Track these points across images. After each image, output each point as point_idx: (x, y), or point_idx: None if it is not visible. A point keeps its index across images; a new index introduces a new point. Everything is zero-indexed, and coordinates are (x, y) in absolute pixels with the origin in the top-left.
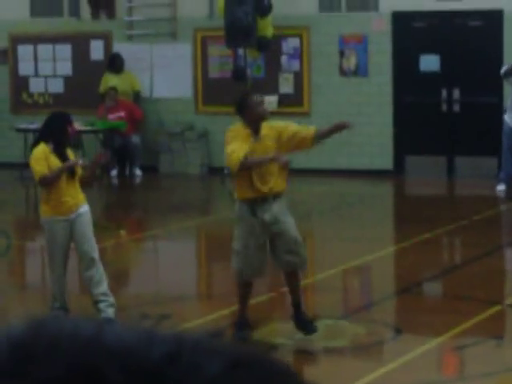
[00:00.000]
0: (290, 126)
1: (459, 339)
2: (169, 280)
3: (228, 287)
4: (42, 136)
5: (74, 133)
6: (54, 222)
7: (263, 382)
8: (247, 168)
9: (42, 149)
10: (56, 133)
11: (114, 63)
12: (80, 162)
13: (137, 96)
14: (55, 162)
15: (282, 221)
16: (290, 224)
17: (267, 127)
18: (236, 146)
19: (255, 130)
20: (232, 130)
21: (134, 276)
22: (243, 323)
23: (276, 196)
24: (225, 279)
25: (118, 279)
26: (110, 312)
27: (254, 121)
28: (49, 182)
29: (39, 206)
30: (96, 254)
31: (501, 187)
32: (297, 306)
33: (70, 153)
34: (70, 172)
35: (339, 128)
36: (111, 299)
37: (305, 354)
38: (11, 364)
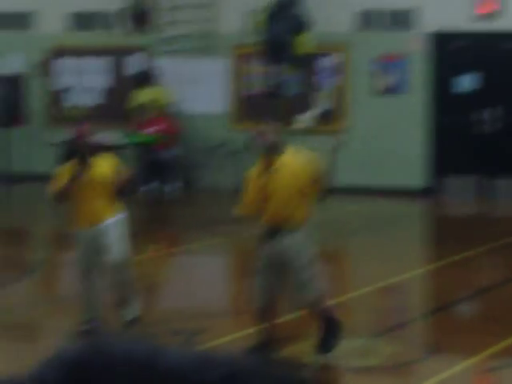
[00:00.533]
0: (308, 171)
1: (491, 361)
2: (202, 296)
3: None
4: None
5: (83, 136)
6: (78, 233)
7: None
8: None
9: (66, 166)
10: (70, 146)
11: (146, 77)
12: (80, 174)
13: (167, 111)
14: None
15: (288, 256)
16: (296, 261)
17: (290, 156)
18: (249, 189)
19: (268, 161)
20: (253, 168)
21: (166, 291)
22: (266, 347)
23: (291, 228)
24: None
25: (151, 293)
26: (133, 314)
27: (263, 152)
28: (58, 198)
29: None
30: (122, 260)
31: None
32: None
33: (104, 165)
34: (90, 183)
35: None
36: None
37: (339, 373)
38: None
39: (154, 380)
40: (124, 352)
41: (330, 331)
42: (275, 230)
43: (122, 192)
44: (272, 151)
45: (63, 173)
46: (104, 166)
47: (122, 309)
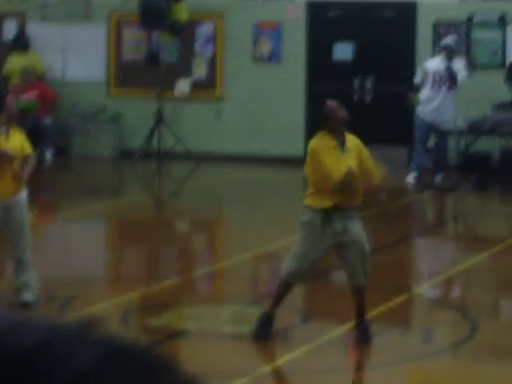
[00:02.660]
0: (366, 151)
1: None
2: (77, 263)
3: (137, 271)
4: None
5: (9, 109)
6: None
7: (134, 375)
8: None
9: None
10: None
11: (19, 43)
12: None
13: (40, 77)
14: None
15: (353, 232)
16: (361, 236)
17: (351, 140)
18: (330, 162)
19: (341, 140)
20: (318, 139)
21: (42, 258)
22: (265, 321)
23: (352, 207)
24: (134, 263)
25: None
26: (29, 296)
27: (337, 128)
28: None
29: None
30: (27, 242)
31: (411, 177)
32: (360, 315)
33: (19, 137)
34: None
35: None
36: (34, 286)
37: (211, 340)
38: None
39: None
40: None
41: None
42: (337, 209)
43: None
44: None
45: None
46: (18, 139)
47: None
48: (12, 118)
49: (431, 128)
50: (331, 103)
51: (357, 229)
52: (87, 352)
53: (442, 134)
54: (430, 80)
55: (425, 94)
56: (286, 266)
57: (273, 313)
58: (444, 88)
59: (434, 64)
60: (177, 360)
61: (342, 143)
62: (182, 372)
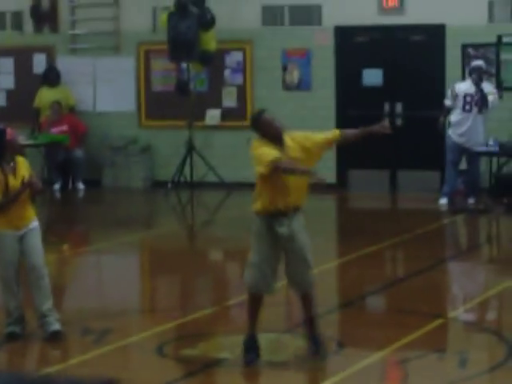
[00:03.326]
0: (311, 135)
1: (402, 353)
2: (112, 294)
3: (171, 301)
4: None
5: (13, 142)
6: (2, 236)
7: None
8: (279, 170)
9: None
10: None
11: (49, 77)
12: (34, 180)
13: (72, 110)
14: (9, 180)
15: (296, 238)
16: (304, 243)
17: (289, 139)
18: (266, 150)
19: (279, 144)
20: (258, 141)
21: (76, 290)
22: (251, 344)
23: (296, 211)
24: (168, 293)
25: (61, 293)
26: (58, 326)
27: (273, 138)
28: (4, 208)
29: None
30: (45, 270)
31: (443, 201)
32: (310, 324)
33: (24, 166)
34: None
35: (376, 131)
36: (56, 314)
37: (247, 369)
38: None
39: None
40: None
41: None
42: (282, 214)
43: (35, 194)
44: (280, 137)
45: None
46: (24, 169)
47: (50, 316)
48: (16, 150)
49: (462, 150)
50: (266, 116)
51: (301, 235)
52: None
53: (474, 157)
54: (460, 102)
55: (456, 116)
56: (246, 277)
57: (254, 333)
58: (475, 110)
59: (464, 86)
60: None
61: (280, 146)
62: None
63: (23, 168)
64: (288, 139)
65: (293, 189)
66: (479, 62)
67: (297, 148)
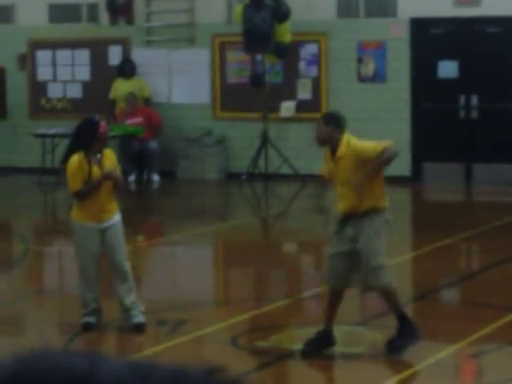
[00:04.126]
0: (366, 150)
1: (476, 346)
2: (186, 286)
3: (245, 293)
4: (72, 145)
5: (105, 135)
6: (84, 228)
7: None
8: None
9: (76, 160)
10: (85, 140)
11: (124, 69)
12: (114, 173)
13: (147, 102)
14: (92, 170)
15: (361, 240)
16: (366, 244)
17: (345, 145)
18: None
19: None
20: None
21: (151, 281)
22: (321, 338)
23: (365, 213)
24: (242, 285)
25: (136, 284)
26: (142, 318)
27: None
28: (83, 196)
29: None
30: (127, 264)
31: None
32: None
33: (110, 159)
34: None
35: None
36: (141, 307)
37: (322, 361)
38: None
39: None
40: (62, 366)
41: (400, 330)
42: (351, 214)
43: (115, 188)
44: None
45: (76, 167)
46: (110, 161)
47: (134, 309)
48: (105, 143)
49: None
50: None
51: (365, 237)
52: None
53: None
54: None
55: None
56: (382, 278)
57: (327, 330)
58: None
59: None
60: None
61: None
62: None
63: (109, 161)
64: (344, 145)
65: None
66: None
67: (349, 157)
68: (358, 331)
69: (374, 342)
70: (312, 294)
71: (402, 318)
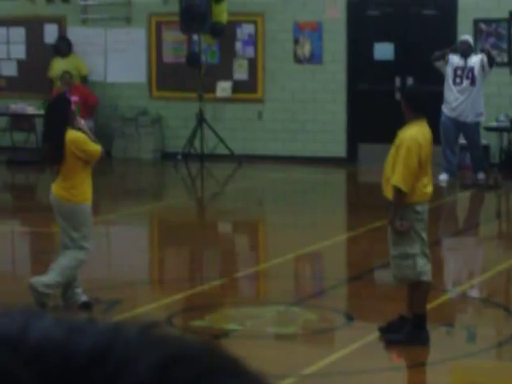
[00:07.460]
0: (401, 156)
1: None
2: (121, 265)
3: (180, 272)
4: (58, 124)
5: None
6: (86, 208)
7: (199, 380)
8: None
9: (75, 132)
10: (65, 116)
11: (60, 47)
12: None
13: (84, 80)
14: None
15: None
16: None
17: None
18: None
19: None
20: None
21: (86, 261)
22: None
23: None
24: (177, 264)
25: None
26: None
27: None
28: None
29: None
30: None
31: (443, 177)
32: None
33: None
34: None
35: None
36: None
37: (256, 340)
38: None
39: (19, 356)
40: None
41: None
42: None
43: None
44: None
45: (83, 135)
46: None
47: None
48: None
49: (457, 125)
50: None
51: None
52: (149, 357)
53: (469, 131)
54: (450, 77)
55: (447, 91)
56: (418, 267)
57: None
58: (466, 83)
59: (456, 59)
60: (245, 359)
61: None
62: (251, 373)
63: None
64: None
65: None
66: (466, 37)
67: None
68: (292, 311)
69: (307, 322)
70: (246, 273)
71: (419, 319)
